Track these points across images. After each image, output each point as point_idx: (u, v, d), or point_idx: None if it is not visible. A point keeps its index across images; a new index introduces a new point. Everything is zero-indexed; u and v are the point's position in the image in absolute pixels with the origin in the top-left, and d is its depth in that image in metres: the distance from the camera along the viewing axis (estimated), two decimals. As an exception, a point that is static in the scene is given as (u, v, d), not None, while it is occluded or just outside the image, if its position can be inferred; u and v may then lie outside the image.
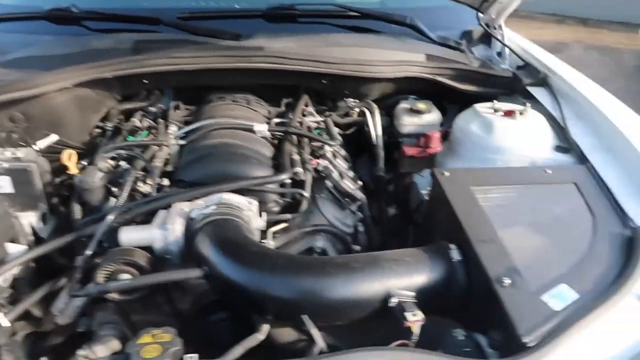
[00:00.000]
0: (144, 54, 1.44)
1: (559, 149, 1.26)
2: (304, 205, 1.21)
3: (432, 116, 1.58)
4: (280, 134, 1.38)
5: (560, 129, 1.30)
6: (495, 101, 1.36)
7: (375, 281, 0.89)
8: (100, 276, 0.97)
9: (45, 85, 1.35)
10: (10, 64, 1.49)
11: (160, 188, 1.20)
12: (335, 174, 1.25)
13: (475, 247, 0.91)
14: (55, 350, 1.10)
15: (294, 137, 1.36)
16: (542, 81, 1.52)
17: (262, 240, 1.14)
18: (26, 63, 1.48)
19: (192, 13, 1.70)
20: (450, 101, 1.66)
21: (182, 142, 1.35)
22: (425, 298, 0.92)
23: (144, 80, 1.51)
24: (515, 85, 1.52)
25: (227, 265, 0.92)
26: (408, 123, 1.57)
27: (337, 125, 1.67)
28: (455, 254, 0.94)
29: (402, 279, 0.90)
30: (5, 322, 0.93)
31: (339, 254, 1.23)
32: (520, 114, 1.31)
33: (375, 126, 1.56)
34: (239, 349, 0.83)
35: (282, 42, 1.53)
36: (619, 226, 0.99)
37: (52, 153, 1.39)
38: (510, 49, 1.67)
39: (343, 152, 1.49)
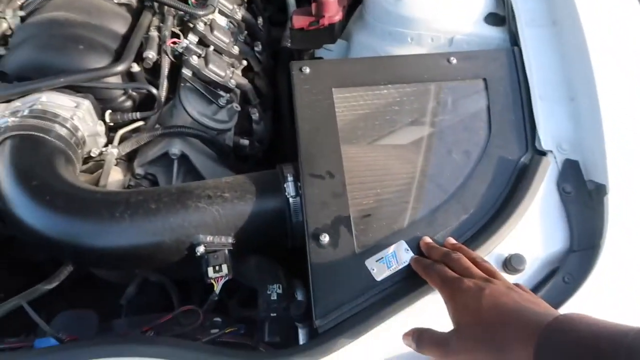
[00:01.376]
0: None
1: (490, 18, 0.92)
2: (159, 102, 0.98)
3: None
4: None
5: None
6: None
7: (175, 226, 0.71)
8: None
9: None
10: None
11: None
12: (194, 59, 0.97)
13: (303, 184, 0.69)
14: None
15: (157, 5, 1.05)
16: None
17: (104, 149, 0.95)
18: None
19: None
20: None
21: (22, 13, 1.07)
22: (249, 242, 0.75)
23: None
24: None
25: (8, 199, 0.75)
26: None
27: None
28: (291, 189, 0.73)
29: (215, 222, 0.72)
30: None
31: (211, 157, 1.03)
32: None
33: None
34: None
35: None
36: (517, 149, 0.73)
37: None
38: None
39: (239, 14, 1.18)
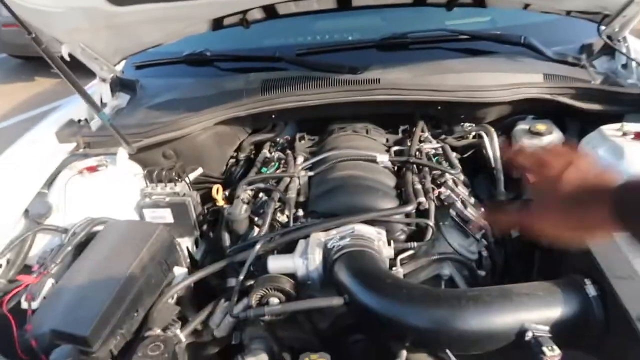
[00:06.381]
0: (271, 93, 1.60)
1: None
2: (429, 234, 1.27)
3: (553, 137, 1.55)
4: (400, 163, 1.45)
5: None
6: (623, 123, 1.32)
7: (507, 314, 0.93)
8: (253, 300, 1.11)
9: (192, 126, 1.55)
10: (159, 106, 1.72)
11: (295, 218, 1.34)
12: (458, 203, 1.30)
13: (612, 284, 0.91)
14: (212, 359, 1.28)
15: (414, 166, 1.43)
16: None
17: (392, 268, 1.22)
18: (172, 105, 1.70)
19: (309, 49, 1.84)
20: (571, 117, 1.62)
21: (310, 173, 1.48)
22: (559, 333, 0.94)
23: (272, 115, 1.67)
24: (646, 102, 1.46)
25: (366, 295, 1.01)
26: (528, 145, 1.57)
27: (453, 148, 1.69)
28: (591, 290, 0.95)
29: (535, 312, 0.93)
30: (182, 338, 1.11)
31: (466, 281, 1.27)
32: (653, 135, 1.26)
33: (494, 149, 1.57)
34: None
35: (396, 72, 1.61)
36: None
37: (197, 183, 1.60)
38: (638, 62, 1.59)
39: (462, 177, 1.53)
